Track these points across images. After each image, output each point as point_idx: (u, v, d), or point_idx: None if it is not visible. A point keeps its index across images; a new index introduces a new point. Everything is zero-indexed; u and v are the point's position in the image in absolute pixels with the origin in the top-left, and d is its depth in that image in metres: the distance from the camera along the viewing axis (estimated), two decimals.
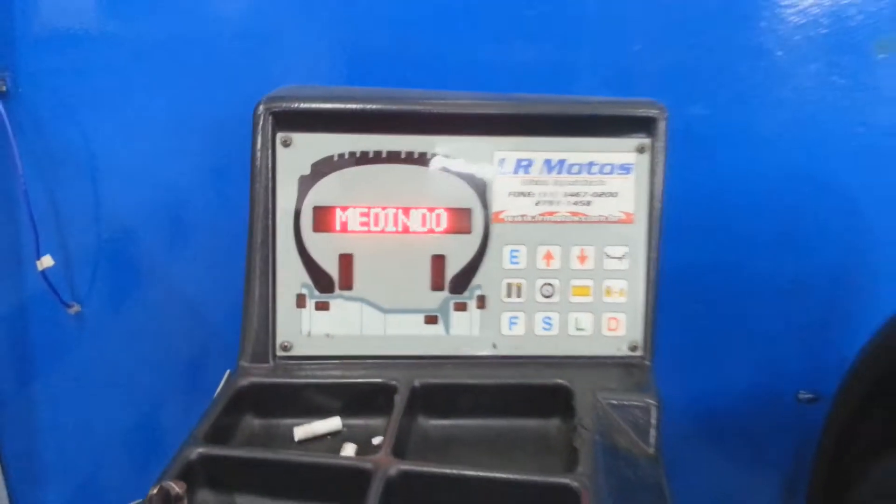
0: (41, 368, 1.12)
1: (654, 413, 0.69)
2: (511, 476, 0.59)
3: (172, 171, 1.03)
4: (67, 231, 1.05)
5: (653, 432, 0.69)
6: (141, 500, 0.60)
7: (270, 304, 0.73)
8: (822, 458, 0.90)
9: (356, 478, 0.58)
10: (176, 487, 0.48)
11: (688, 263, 0.96)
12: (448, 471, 0.59)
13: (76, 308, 1.06)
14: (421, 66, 0.95)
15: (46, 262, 1.00)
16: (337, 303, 0.73)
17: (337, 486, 0.59)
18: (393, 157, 0.73)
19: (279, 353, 0.73)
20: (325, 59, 0.97)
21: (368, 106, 0.72)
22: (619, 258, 0.75)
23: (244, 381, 0.69)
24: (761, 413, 1.05)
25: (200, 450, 0.59)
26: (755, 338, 1.03)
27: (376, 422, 0.69)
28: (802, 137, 0.97)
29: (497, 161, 0.74)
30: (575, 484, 0.57)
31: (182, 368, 1.12)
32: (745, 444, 1.05)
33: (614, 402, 0.69)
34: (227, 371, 0.73)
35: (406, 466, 0.59)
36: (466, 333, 0.74)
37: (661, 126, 0.74)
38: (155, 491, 0.49)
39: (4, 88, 0.99)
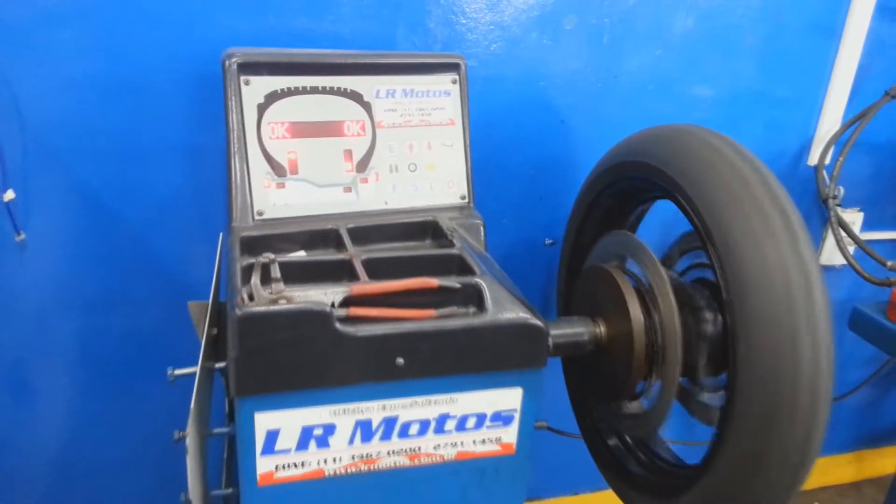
0: None
1: (481, 229, 1.22)
2: (427, 252, 1.08)
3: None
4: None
5: (482, 238, 1.22)
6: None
7: (248, 186, 1.12)
8: (562, 263, 1.50)
9: (342, 266, 1.03)
10: (269, 256, 0.88)
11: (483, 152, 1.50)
12: (392, 254, 1.07)
13: (21, 236, 1.30)
14: (303, 38, 1.36)
15: (9, 195, 1.25)
16: (289, 183, 1.15)
17: (331, 272, 1.03)
18: (314, 90, 1.16)
19: (256, 217, 1.12)
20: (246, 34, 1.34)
21: (301, 59, 1.15)
22: (450, 146, 1.26)
23: (244, 234, 1.08)
24: (522, 256, 1.64)
25: (249, 260, 0.99)
26: None
27: (324, 253, 1.13)
28: (529, 78, 1.53)
29: (375, 91, 1.20)
30: (458, 252, 1.08)
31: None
32: (515, 278, 1.62)
33: (461, 224, 1.20)
34: (221, 234, 1.12)
35: (369, 255, 1.04)
36: (369, 197, 1.20)
37: (463, 68, 1.27)
38: (256, 260, 0.88)
39: None
